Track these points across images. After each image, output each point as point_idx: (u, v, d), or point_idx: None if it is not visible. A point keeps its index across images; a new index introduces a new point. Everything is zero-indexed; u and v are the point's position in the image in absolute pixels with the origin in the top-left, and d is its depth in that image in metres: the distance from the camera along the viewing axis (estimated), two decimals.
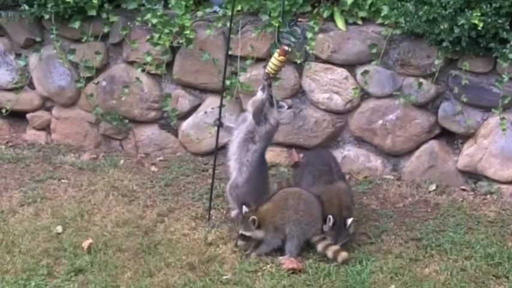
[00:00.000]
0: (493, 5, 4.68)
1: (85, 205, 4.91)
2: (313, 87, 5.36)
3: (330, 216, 4.34)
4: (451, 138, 5.28)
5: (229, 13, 5.09)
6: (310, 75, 5.36)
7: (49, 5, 5.44)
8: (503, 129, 4.89)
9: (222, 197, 4.94)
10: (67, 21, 5.55)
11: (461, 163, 5.20)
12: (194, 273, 4.18)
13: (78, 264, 4.22)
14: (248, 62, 5.37)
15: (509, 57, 4.77)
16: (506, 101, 4.90)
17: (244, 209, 4.38)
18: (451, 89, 5.09)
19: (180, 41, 5.39)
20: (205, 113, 5.58)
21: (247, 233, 4.30)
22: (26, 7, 5.56)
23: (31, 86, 5.95)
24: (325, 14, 5.27)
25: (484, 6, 4.69)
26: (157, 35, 5.38)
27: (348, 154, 5.43)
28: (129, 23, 5.52)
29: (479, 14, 4.68)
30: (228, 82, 5.29)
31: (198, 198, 5.03)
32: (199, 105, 5.66)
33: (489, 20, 4.69)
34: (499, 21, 4.71)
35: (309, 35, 5.21)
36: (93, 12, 5.48)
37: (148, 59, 5.47)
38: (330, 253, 4.29)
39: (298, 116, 5.42)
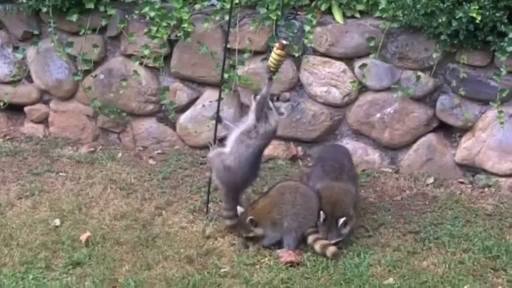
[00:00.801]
0: None
1: (83, 198, 4.91)
2: (311, 80, 5.36)
3: (322, 212, 4.33)
4: (449, 131, 5.28)
5: (227, 6, 5.08)
6: (308, 69, 5.35)
7: None
8: (501, 123, 4.89)
9: (220, 190, 4.94)
10: (65, 14, 5.54)
11: (459, 156, 5.20)
12: (192, 266, 4.18)
13: (76, 257, 4.22)
14: (246, 55, 5.36)
15: (507, 50, 4.77)
16: (504, 94, 4.90)
17: (239, 209, 4.39)
18: (449, 82, 5.09)
19: (178, 34, 5.38)
20: (204, 106, 5.58)
21: (250, 234, 4.31)
22: (24, 0, 5.54)
23: (29, 79, 5.93)
24: (323, 7, 5.26)
25: (482, 0, 4.69)
26: (155, 28, 5.37)
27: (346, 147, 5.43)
28: (127, 16, 5.51)
29: (477, 7, 4.67)
30: (226, 75, 5.28)
31: (196, 192, 5.03)
32: (197, 98, 5.65)
33: (487, 13, 4.69)
34: (497, 14, 4.70)
35: (307, 28, 5.20)
36: (91, 5, 5.47)
37: (146, 52, 5.46)
38: (317, 247, 4.28)
39: (296, 109, 5.41)
